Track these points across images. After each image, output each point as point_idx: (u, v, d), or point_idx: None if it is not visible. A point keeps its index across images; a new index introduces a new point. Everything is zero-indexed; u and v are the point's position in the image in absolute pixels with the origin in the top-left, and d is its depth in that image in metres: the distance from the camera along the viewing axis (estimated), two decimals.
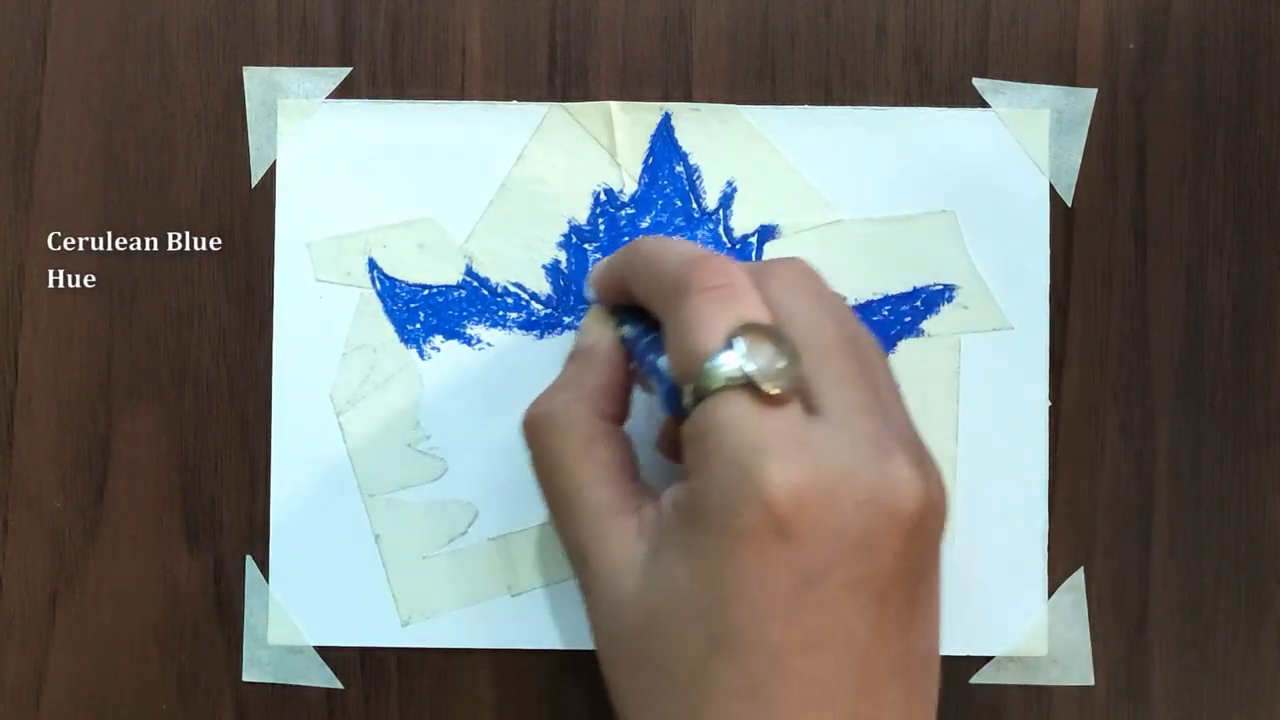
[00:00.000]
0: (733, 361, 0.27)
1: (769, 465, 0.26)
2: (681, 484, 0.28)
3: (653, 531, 0.28)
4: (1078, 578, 0.37)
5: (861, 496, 0.26)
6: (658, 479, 0.31)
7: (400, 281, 0.37)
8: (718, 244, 0.38)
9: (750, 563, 0.26)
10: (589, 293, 0.34)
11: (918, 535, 0.27)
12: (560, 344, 0.37)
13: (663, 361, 0.29)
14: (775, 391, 0.27)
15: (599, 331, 0.32)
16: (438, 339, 0.37)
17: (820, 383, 0.28)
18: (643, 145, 0.38)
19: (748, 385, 0.27)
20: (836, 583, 0.26)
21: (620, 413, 0.31)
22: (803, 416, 0.27)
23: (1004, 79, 0.38)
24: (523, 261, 0.37)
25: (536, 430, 0.30)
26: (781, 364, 0.27)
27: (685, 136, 0.38)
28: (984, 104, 0.38)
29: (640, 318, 0.32)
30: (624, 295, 0.32)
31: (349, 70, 0.38)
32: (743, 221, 0.38)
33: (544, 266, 0.37)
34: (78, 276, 0.37)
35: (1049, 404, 0.37)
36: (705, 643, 0.27)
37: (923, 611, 0.28)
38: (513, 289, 0.37)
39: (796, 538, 0.26)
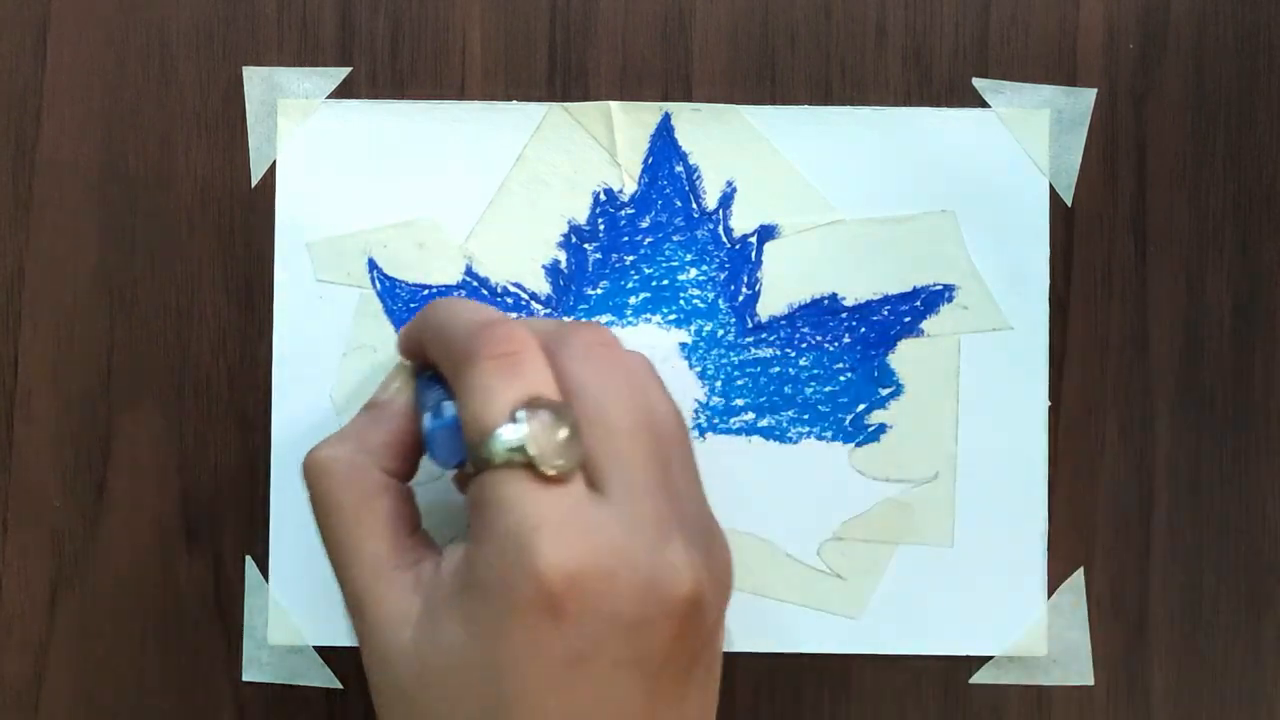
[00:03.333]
0: (514, 437, 0.27)
1: (543, 545, 0.26)
2: (461, 546, 0.28)
3: (429, 589, 0.28)
4: (1078, 578, 0.37)
5: (636, 580, 0.27)
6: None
7: (400, 281, 0.37)
8: (717, 244, 0.38)
9: (523, 637, 0.26)
10: (398, 349, 0.33)
11: (691, 619, 0.28)
12: None
13: (425, 419, 0.30)
14: (553, 471, 0.27)
15: (395, 387, 0.32)
16: None
17: (605, 460, 0.28)
18: (643, 145, 0.38)
19: (526, 463, 0.27)
20: (608, 661, 0.27)
21: (405, 469, 0.31)
22: (584, 495, 0.28)
23: (1004, 79, 0.38)
24: (522, 261, 0.37)
25: (317, 475, 0.30)
26: (563, 442, 0.27)
27: (685, 136, 0.38)
28: (984, 104, 0.38)
29: (432, 376, 0.32)
30: (421, 356, 0.32)
31: (349, 70, 0.38)
32: (742, 221, 0.38)
33: (544, 266, 0.37)
34: (78, 276, 0.37)
35: (1049, 404, 0.37)
36: (479, 708, 0.27)
37: (698, 685, 0.29)
38: (512, 289, 0.37)
39: (568, 617, 0.26)
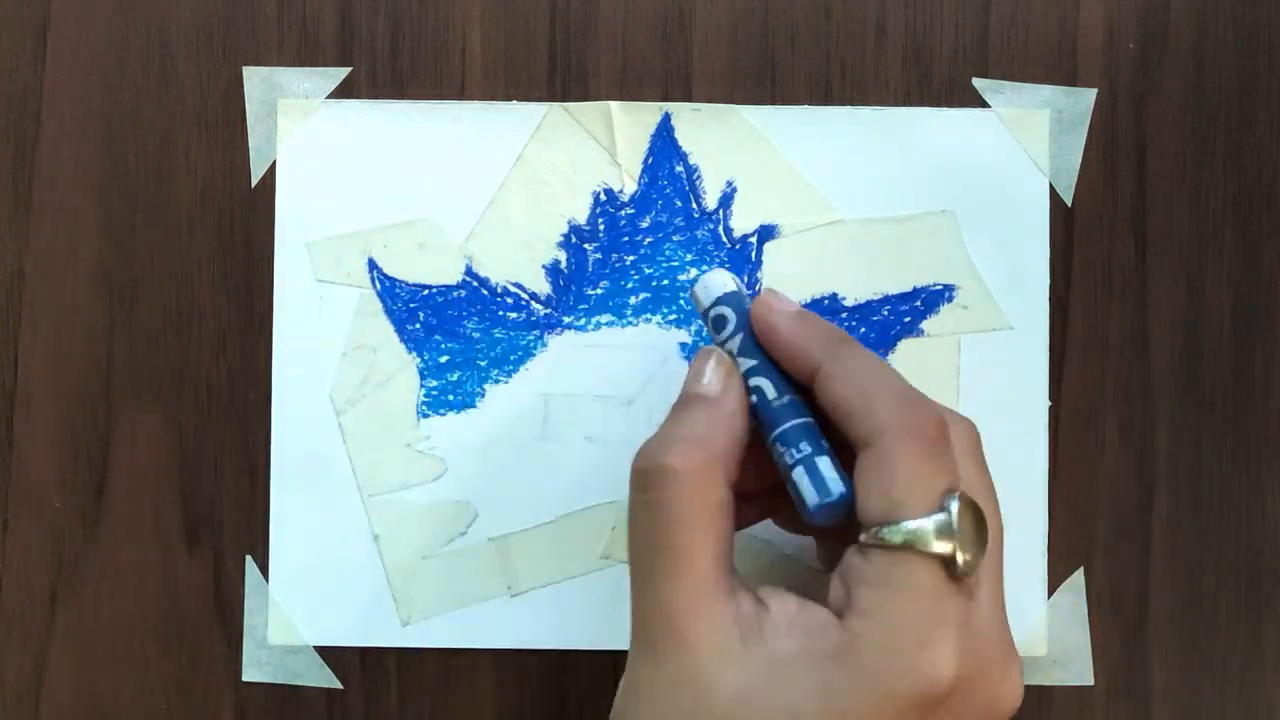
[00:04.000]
0: (940, 529, 0.27)
1: (945, 648, 0.26)
2: (795, 600, 0.28)
3: (754, 629, 0.27)
4: (1078, 578, 0.37)
5: (989, 693, 0.27)
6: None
7: (400, 281, 0.37)
8: (717, 244, 0.38)
9: None
10: (748, 318, 0.30)
11: None
12: (560, 343, 0.37)
13: (825, 468, 0.28)
14: (965, 569, 0.27)
15: (729, 382, 0.30)
16: (437, 339, 0.37)
17: (983, 568, 0.28)
18: (643, 145, 0.38)
19: (945, 558, 0.27)
20: None
21: (738, 480, 0.29)
22: (970, 599, 0.28)
23: (1004, 79, 0.38)
24: (522, 261, 0.37)
25: (664, 481, 0.28)
26: (976, 542, 0.27)
27: (685, 136, 0.38)
28: (984, 104, 0.38)
29: (777, 376, 0.30)
30: (803, 369, 0.29)
31: (349, 70, 0.38)
32: (742, 221, 0.38)
33: (544, 266, 0.37)
34: (78, 276, 0.37)
35: (1049, 404, 0.37)
36: None
37: None
38: (512, 289, 0.37)
39: (933, 714, 0.26)
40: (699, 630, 0.27)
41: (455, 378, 0.37)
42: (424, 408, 0.37)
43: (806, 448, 0.29)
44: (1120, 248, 0.38)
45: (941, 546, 0.27)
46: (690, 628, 0.27)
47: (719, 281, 0.32)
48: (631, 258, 0.38)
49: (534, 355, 0.37)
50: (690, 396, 0.30)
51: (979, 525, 0.27)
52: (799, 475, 0.29)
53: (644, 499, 0.28)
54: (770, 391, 0.30)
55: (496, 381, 0.37)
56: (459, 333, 0.37)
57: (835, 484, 0.28)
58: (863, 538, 0.27)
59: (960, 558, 0.27)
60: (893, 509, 0.27)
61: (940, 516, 0.27)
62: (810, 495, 0.28)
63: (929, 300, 0.37)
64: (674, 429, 0.29)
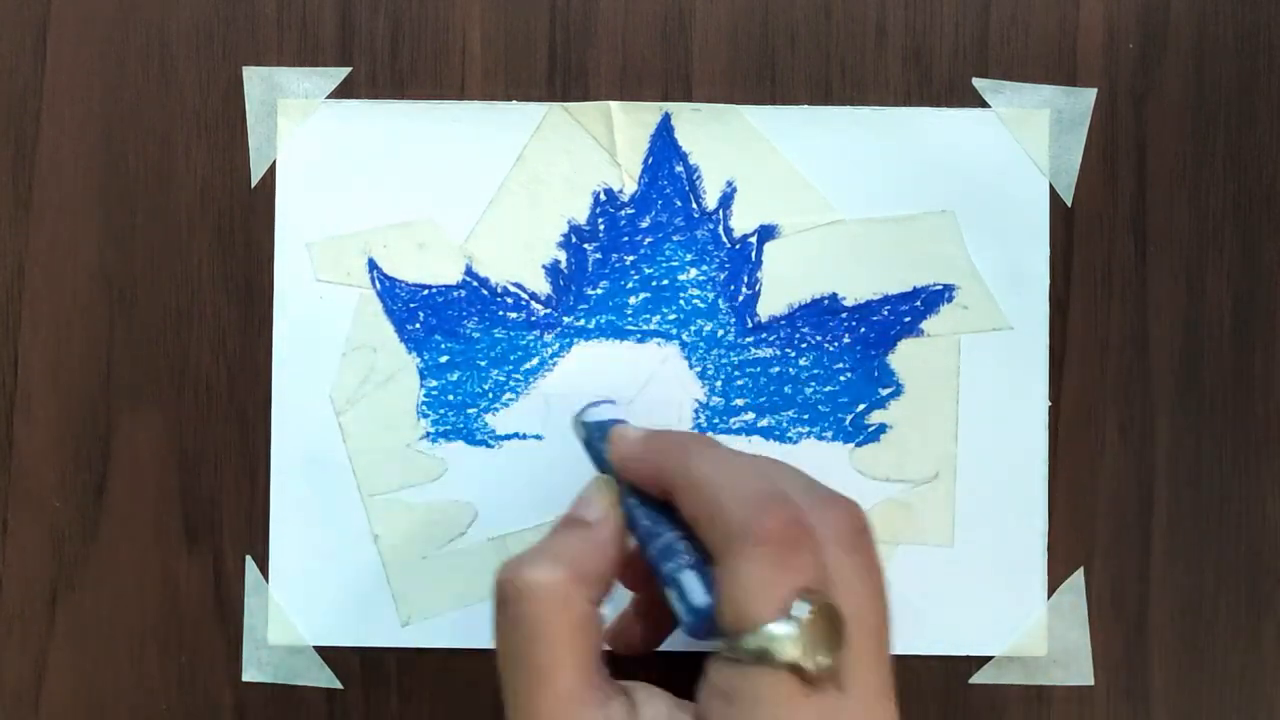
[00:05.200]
0: (784, 635, 0.26)
1: None
2: (663, 700, 0.28)
3: None
4: (1078, 578, 0.37)
5: None
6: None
7: (400, 281, 0.37)
8: (717, 244, 0.38)
9: None
10: (606, 453, 0.31)
11: None
12: (560, 343, 0.37)
13: (689, 583, 0.28)
14: (816, 672, 0.26)
15: (605, 508, 0.31)
16: (437, 339, 0.37)
17: (855, 661, 0.27)
18: (642, 145, 0.38)
19: (792, 665, 0.26)
20: None
21: (605, 597, 0.30)
22: (834, 698, 0.27)
23: (1004, 79, 0.38)
24: (522, 261, 0.37)
25: (522, 597, 0.28)
26: (829, 641, 0.26)
27: (685, 136, 0.38)
28: (984, 104, 0.38)
29: (652, 502, 0.30)
30: (658, 490, 0.30)
31: (349, 70, 0.38)
32: (742, 221, 0.38)
33: (544, 266, 0.37)
34: (78, 276, 0.37)
35: (1049, 404, 0.37)
36: None
37: None
38: (512, 289, 0.37)
39: None
40: None
41: (455, 378, 0.37)
42: (424, 408, 0.37)
43: (673, 564, 0.29)
44: (1120, 248, 0.38)
45: (789, 654, 0.26)
46: None
47: (592, 415, 0.33)
48: (631, 258, 0.38)
49: (534, 355, 0.37)
50: (566, 519, 0.31)
51: (833, 623, 0.27)
52: (670, 592, 0.29)
53: (504, 613, 0.29)
54: (641, 513, 0.30)
55: (496, 381, 0.37)
56: (459, 333, 0.37)
57: (700, 597, 0.28)
58: (720, 647, 0.27)
59: (810, 663, 0.26)
60: (739, 619, 0.27)
61: (782, 624, 0.26)
62: (679, 610, 0.29)
63: (929, 300, 0.37)
64: (541, 546, 0.30)
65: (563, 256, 0.38)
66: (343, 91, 0.38)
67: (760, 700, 0.26)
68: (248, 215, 0.38)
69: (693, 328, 0.37)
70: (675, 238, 0.38)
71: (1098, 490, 0.37)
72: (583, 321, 0.37)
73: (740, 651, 0.26)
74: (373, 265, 0.37)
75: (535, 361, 0.37)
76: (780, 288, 0.37)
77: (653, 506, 0.30)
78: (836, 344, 0.37)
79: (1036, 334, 0.37)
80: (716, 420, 0.37)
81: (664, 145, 0.38)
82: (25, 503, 0.37)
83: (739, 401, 0.37)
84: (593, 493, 0.31)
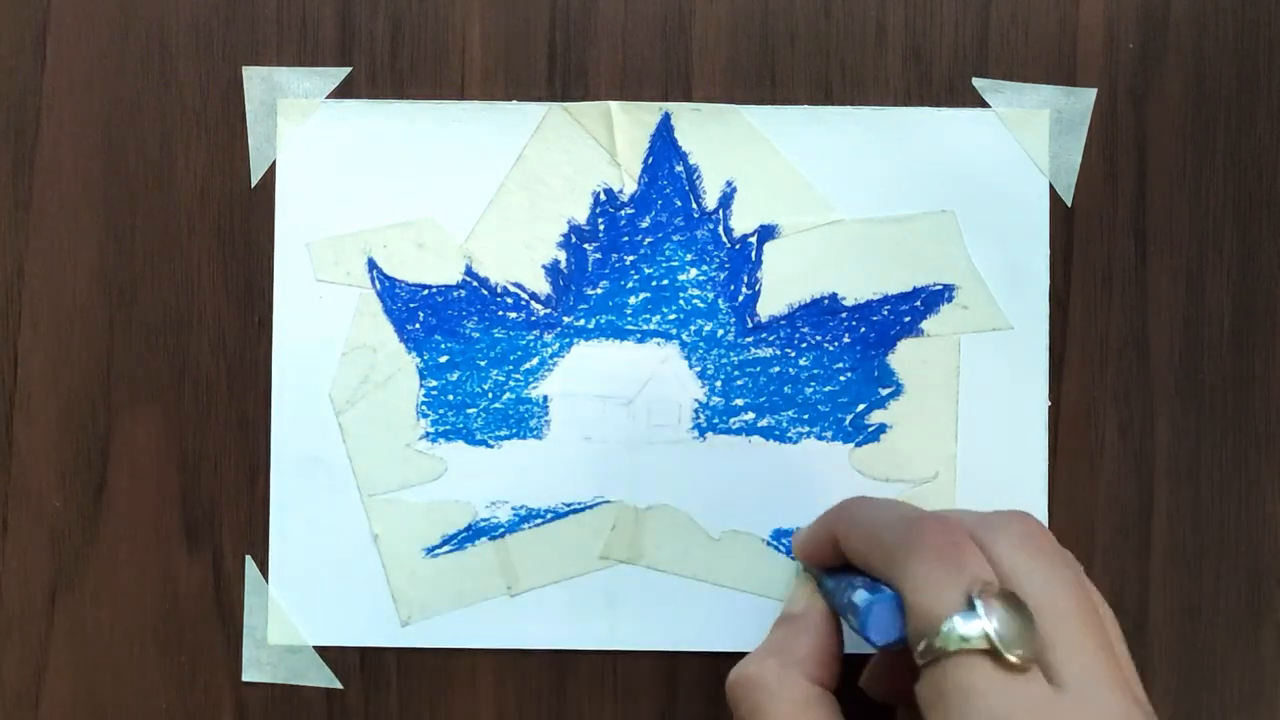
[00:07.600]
0: (973, 623, 0.26)
1: None
2: None
3: None
4: None
5: None
6: None
7: (400, 281, 0.37)
8: (717, 244, 0.38)
9: None
10: (796, 555, 0.35)
11: None
12: (560, 343, 0.37)
13: (859, 596, 0.30)
14: (1017, 659, 0.26)
15: (807, 597, 0.33)
16: (437, 339, 0.37)
17: (1059, 651, 0.27)
18: (642, 145, 0.38)
19: (988, 650, 0.26)
20: None
21: (831, 679, 0.31)
22: (1046, 687, 0.26)
23: (1004, 79, 0.38)
24: (522, 261, 0.37)
25: (747, 689, 0.31)
26: (1021, 628, 0.26)
27: (685, 136, 0.38)
28: (984, 104, 0.38)
29: (841, 573, 0.32)
30: (834, 557, 0.32)
31: (349, 70, 0.38)
32: (742, 221, 0.38)
33: (544, 266, 0.37)
34: (78, 276, 0.37)
35: (1049, 404, 0.37)
36: None
37: None
38: (512, 289, 0.37)
39: None
40: None
41: (455, 378, 0.37)
42: (424, 408, 0.37)
43: (848, 594, 0.30)
44: (1120, 248, 0.38)
45: (979, 641, 0.26)
46: None
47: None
48: (631, 258, 0.38)
49: (534, 355, 0.37)
50: (778, 619, 0.33)
51: (1020, 612, 0.27)
52: (850, 619, 0.30)
53: (739, 712, 0.31)
54: (830, 584, 0.32)
55: (496, 381, 0.37)
56: (459, 333, 0.37)
57: (867, 593, 0.30)
58: (918, 656, 0.27)
59: (1000, 643, 0.26)
60: (926, 620, 0.27)
61: (966, 615, 0.26)
62: (855, 625, 0.30)
63: (929, 300, 0.37)
64: (760, 646, 0.32)
65: (563, 256, 0.38)
66: (343, 91, 0.38)
67: (970, 692, 0.26)
68: (248, 215, 0.38)
69: (693, 328, 0.37)
70: (675, 238, 0.38)
71: (1098, 490, 0.37)
72: (582, 321, 0.37)
73: (935, 651, 0.27)
74: (372, 265, 0.37)
75: (535, 361, 0.37)
76: (780, 288, 0.37)
77: (834, 576, 0.32)
78: (836, 344, 0.37)
79: (1036, 334, 0.37)
80: (716, 420, 0.37)
81: (664, 145, 0.38)
82: (25, 503, 0.37)
83: (739, 401, 0.37)
84: (794, 589, 0.34)
